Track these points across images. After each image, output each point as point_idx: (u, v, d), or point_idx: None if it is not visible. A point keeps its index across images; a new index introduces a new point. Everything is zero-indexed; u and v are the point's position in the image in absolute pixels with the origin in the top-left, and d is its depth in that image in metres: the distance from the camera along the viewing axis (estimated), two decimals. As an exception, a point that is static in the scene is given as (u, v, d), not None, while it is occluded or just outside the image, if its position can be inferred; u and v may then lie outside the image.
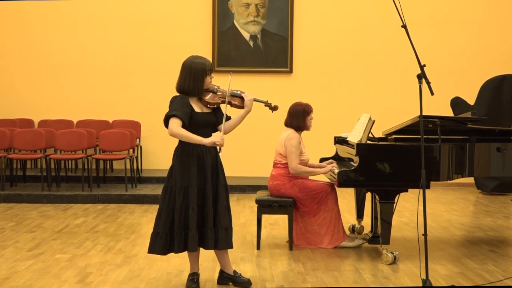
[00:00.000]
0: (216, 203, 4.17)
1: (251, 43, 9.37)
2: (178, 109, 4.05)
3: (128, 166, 8.19)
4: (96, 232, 6.09)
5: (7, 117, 9.30)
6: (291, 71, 9.42)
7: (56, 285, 4.34)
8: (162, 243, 4.11)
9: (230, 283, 4.32)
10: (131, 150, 8.36)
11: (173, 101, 4.13)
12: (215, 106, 4.22)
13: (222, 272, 4.35)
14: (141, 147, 9.24)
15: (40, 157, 8.07)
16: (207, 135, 4.16)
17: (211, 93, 4.19)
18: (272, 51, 9.38)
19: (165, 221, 4.11)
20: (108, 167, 9.11)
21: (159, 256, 5.09)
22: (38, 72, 9.56)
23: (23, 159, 8.58)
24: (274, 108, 4.51)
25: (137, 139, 9.08)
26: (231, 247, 4.24)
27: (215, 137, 4.08)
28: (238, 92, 4.28)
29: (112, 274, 4.63)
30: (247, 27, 9.37)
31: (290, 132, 5.40)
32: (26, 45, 9.54)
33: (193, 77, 4.11)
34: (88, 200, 7.77)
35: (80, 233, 6.02)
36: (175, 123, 4.04)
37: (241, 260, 4.98)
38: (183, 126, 4.06)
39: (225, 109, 4.14)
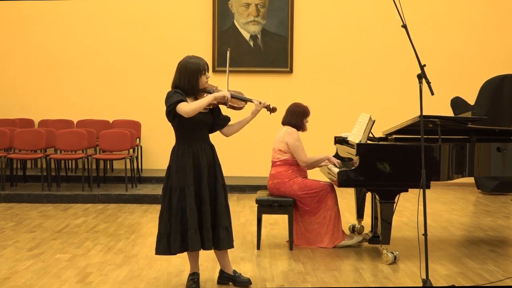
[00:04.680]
0: (216, 203, 4.17)
1: (251, 43, 9.37)
2: (179, 97, 4.02)
3: (128, 166, 8.19)
4: (96, 232, 6.09)
5: (7, 117, 9.29)
6: (291, 71, 9.42)
7: (56, 285, 4.34)
8: (165, 243, 4.11)
9: (230, 283, 4.32)
10: (131, 150, 8.36)
11: (171, 95, 4.07)
12: (211, 107, 4.17)
13: (222, 272, 4.36)
14: (141, 147, 9.24)
15: (40, 157, 8.07)
16: (203, 135, 4.18)
17: (207, 94, 4.13)
18: (272, 51, 9.38)
19: (166, 222, 4.11)
20: (108, 167, 9.11)
21: (159, 256, 5.10)
22: (38, 72, 9.56)
23: (23, 159, 8.58)
24: (272, 110, 4.43)
25: (137, 139, 9.08)
26: (232, 246, 4.24)
27: (224, 91, 4.09)
28: (234, 93, 4.24)
29: (112, 274, 4.62)
30: (247, 27, 9.37)
31: (288, 127, 5.42)
32: (26, 45, 9.54)
33: (188, 77, 4.09)
34: (88, 200, 7.77)
35: (80, 233, 6.02)
36: (184, 104, 4.00)
37: (241, 260, 4.98)
38: (181, 119, 4.03)
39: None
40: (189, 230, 4.06)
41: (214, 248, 4.20)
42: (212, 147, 4.24)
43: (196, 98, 4.14)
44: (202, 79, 4.13)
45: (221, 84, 4.36)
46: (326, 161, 5.50)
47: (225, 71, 4.59)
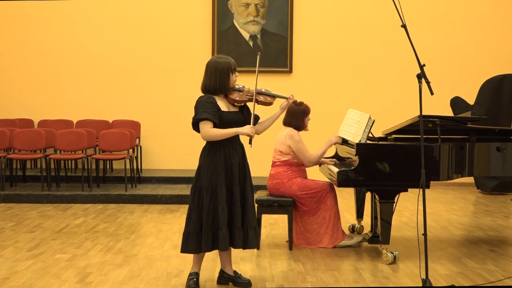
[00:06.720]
0: (245, 203, 4.20)
1: (251, 43, 9.37)
2: (206, 110, 4.05)
3: (128, 166, 8.19)
4: (96, 232, 6.09)
5: (7, 117, 9.30)
6: (290, 71, 9.42)
7: (56, 285, 4.34)
8: (194, 242, 4.14)
9: (230, 283, 4.32)
10: (130, 150, 8.36)
11: (200, 102, 4.12)
12: (242, 104, 4.26)
13: (222, 272, 4.36)
14: (140, 147, 9.24)
15: (40, 157, 8.06)
16: (235, 134, 4.20)
17: (237, 92, 4.24)
18: (272, 51, 9.38)
19: (195, 221, 4.14)
20: (108, 167, 9.11)
21: (159, 256, 5.12)
22: (38, 72, 9.56)
23: (23, 159, 8.58)
24: (300, 104, 4.74)
25: (137, 139, 9.08)
26: (259, 247, 4.25)
27: (248, 128, 4.12)
28: (263, 90, 4.36)
29: (112, 274, 4.62)
30: (247, 27, 9.37)
31: (289, 129, 5.43)
32: (26, 45, 9.54)
33: (218, 75, 4.14)
34: (88, 200, 7.77)
35: (80, 233, 6.02)
36: (207, 126, 4.05)
37: (241, 260, 4.98)
38: (215, 126, 4.08)
39: (253, 106, 4.21)
40: (221, 229, 4.08)
41: (242, 247, 4.22)
42: (242, 147, 4.27)
43: (226, 96, 4.20)
44: (232, 77, 4.18)
45: (246, 83, 4.39)
46: (328, 161, 5.57)
47: None
